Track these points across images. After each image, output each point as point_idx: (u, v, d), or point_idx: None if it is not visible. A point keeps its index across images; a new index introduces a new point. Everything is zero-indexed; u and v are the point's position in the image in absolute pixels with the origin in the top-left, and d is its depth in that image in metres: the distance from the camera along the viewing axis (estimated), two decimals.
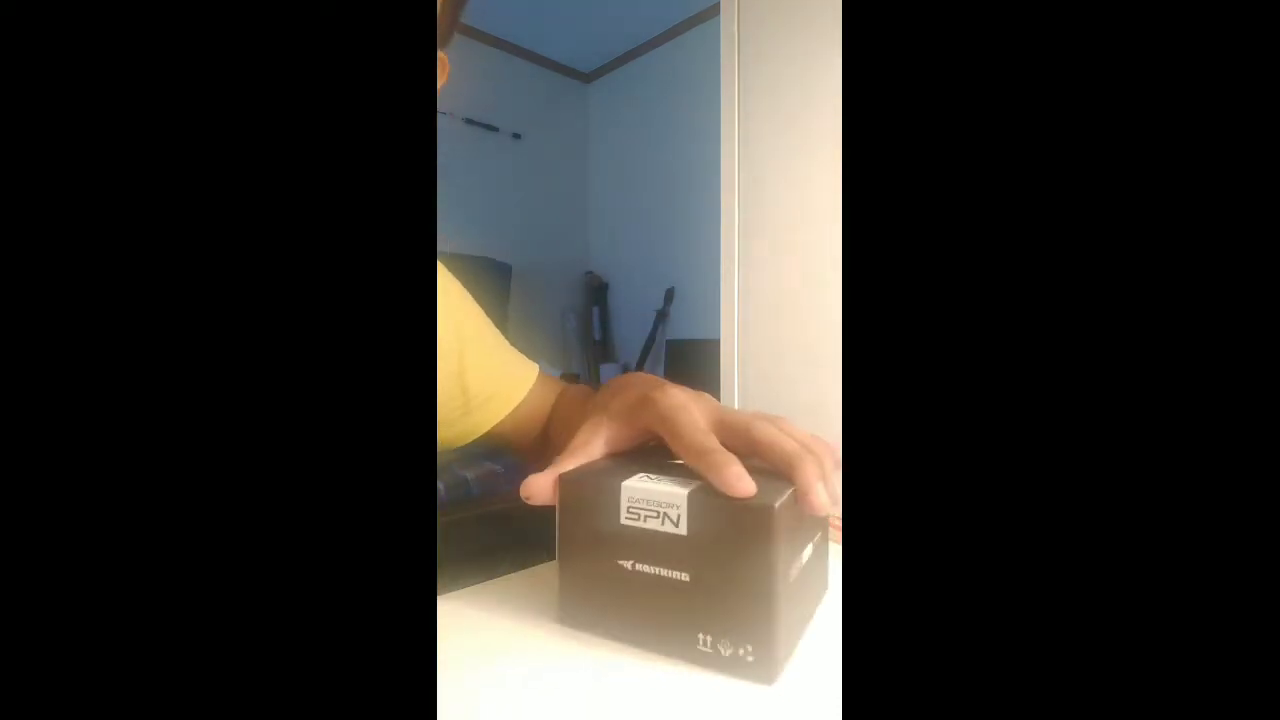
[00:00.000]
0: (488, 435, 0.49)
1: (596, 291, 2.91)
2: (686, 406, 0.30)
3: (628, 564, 0.27)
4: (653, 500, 0.26)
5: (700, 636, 0.26)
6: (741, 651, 0.25)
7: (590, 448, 0.32)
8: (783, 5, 0.98)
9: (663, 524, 0.26)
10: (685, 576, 0.26)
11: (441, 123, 2.41)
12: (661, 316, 2.57)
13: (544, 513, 0.29)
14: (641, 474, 0.28)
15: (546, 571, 0.37)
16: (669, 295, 2.55)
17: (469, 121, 2.55)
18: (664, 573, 0.26)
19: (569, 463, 0.30)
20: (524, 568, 0.37)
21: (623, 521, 0.27)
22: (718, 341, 1.14)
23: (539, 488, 0.29)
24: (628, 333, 2.83)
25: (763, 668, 0.25)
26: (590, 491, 0.28)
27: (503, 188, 2.66)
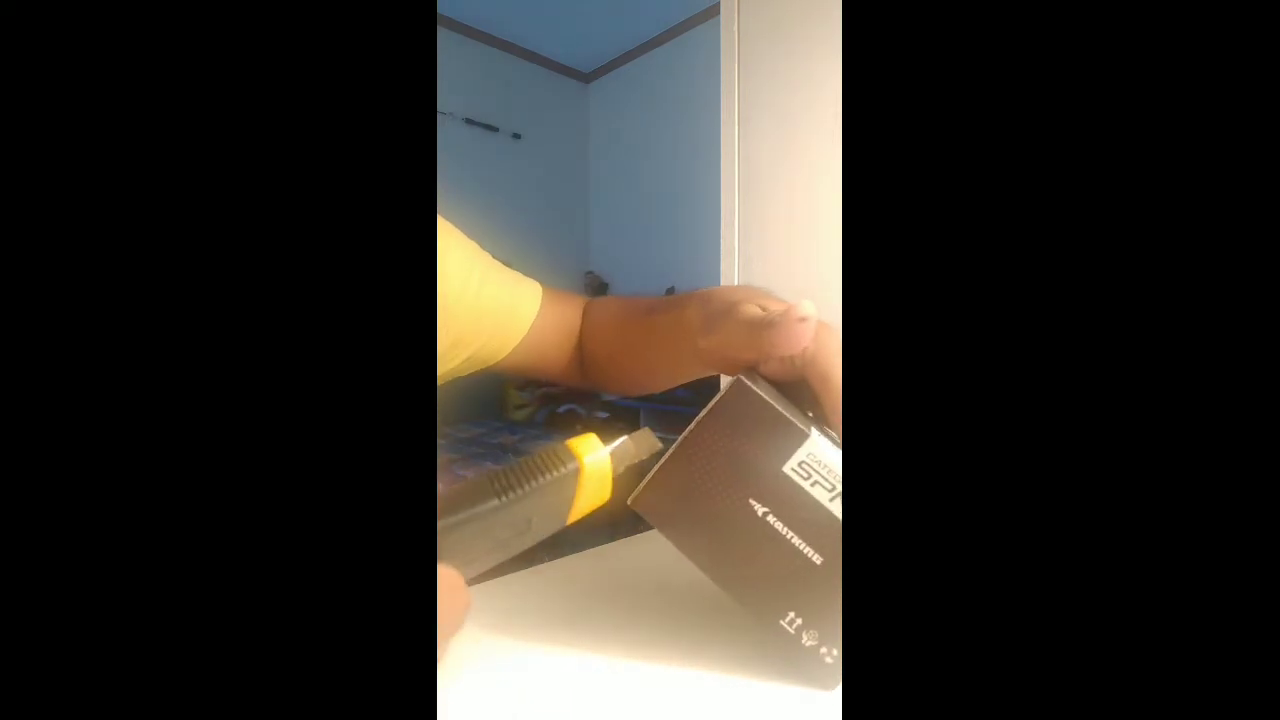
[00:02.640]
0: (498, 366, 0.45)
1: (596, 291, 2.91)
2: None
3: (760, 509, 0.24)
4: (836, 473, 0.24)
5: (791, 614, 0.24)
6: (824, 650, 0.24)
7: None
8: (783, 5, 0.98)
9: (831, 499, 0.24)
10: (819, 558, 0.24)
11: (441, 123, 2.41)
12: None
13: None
14: (818, 430, 0.24)
15: (547, 571, 0.37)
16: (669, 295, 2.55)
17: (469, 121, 2.55)
18: (797, 541, 0.24)
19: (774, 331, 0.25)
20: (525, 567, 0.37)
21: (785, 469, 0.24)
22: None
23: (801, 329, 0.24)
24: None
25: (836, 674, 0.24)
26: (767, 418, 0.24)
27: (503, 188, 2.66)
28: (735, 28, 1.04)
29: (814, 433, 0.24)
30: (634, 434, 0.25)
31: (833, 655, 0.24)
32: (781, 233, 0.99)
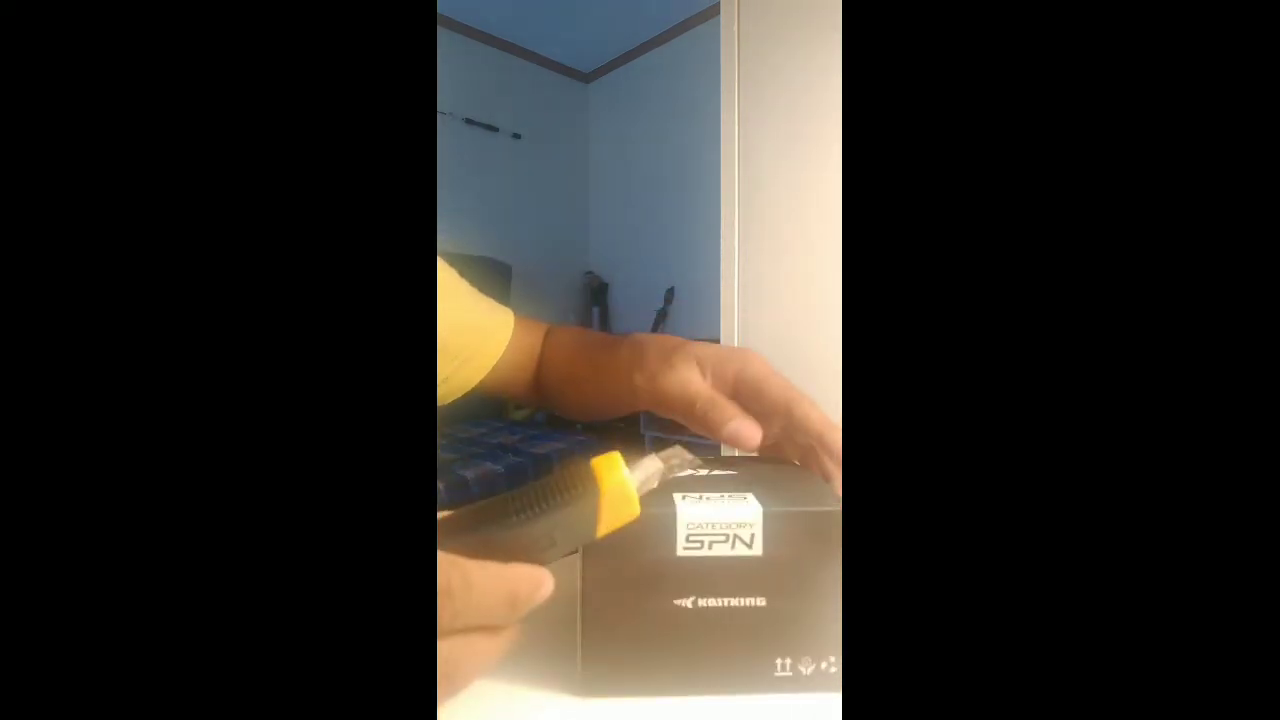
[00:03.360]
0: (479, 388, 0.49)
1: (596, 291, 2.91)
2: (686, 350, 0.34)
3: (687, 602, 0.24)
4: (720, 523, 0.23)
5: (778, 661, 0.24)
6: (824, 665, 0.24)
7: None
8: (783, 5, 0.98)
9: (733, 547, 0.23)
10: (762, 601, 0.24)
11: (441, 123, 2.41)
12: (661, 316, 2.57)
13: None
14: (678, 493, 0.24)
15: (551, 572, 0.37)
16: (669, 295, 2.55)
17: (469, 121, 2.54)
18: (735, 602, 0.24)
19: (743, 423, 0.31)
20: None
21: (680, 553, 0.23)
22: (718, 341, 1.14)
23: (751, 434, 0.30)
24: (628, 333, 2.82)
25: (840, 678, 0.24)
26: (630, 527, 0.23)
27: (503, 188, 2.66)
28: (735, 28, 1.04)
29: (676, 502, 0.24)
30: (665, 451, 0.24)
31: (834, 664, 0.24)
32: (781, 233, 0.99)
